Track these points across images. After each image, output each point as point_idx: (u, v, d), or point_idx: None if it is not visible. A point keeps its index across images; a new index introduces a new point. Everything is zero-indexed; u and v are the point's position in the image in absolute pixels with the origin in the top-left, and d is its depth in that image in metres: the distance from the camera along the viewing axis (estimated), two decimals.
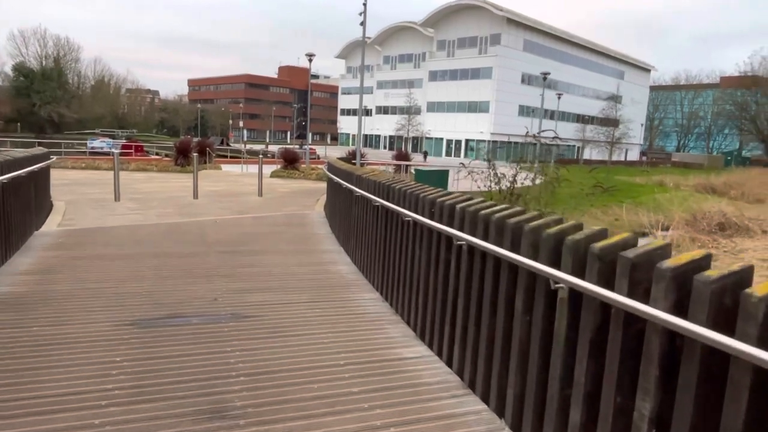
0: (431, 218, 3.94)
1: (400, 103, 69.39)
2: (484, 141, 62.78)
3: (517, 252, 2.83)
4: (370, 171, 6.65)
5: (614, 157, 62.74)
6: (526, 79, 63.98)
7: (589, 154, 65.24)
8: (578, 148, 68.50)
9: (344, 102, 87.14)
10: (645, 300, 2.02)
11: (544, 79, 33.93)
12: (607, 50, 76.35)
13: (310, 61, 30.73)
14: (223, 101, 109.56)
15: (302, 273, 6.04)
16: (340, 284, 5.69)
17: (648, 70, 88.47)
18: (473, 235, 3.31)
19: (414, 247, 4.32)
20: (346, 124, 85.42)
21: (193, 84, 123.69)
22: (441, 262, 3.80)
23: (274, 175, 22.77)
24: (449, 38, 67.36)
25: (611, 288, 2.16)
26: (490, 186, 8.83)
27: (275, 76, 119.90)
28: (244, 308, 4.66)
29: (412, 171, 20.70)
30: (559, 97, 50.21)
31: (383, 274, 5.22)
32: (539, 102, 59.13)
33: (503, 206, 3.24)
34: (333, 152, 52.00)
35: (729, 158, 75.52)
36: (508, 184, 8.91)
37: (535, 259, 2.66)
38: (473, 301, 3.34)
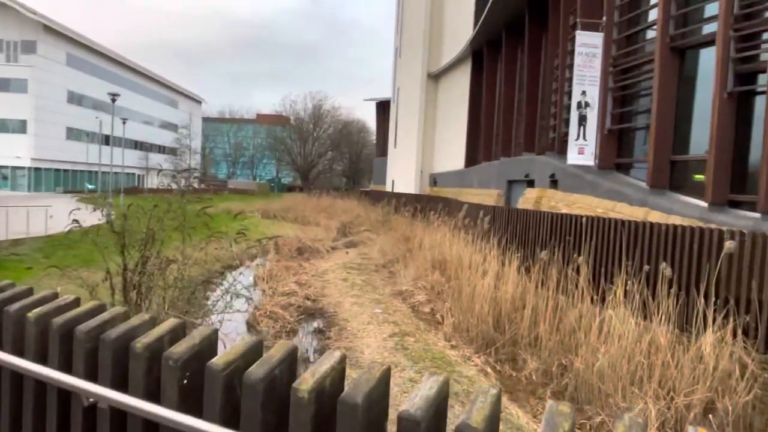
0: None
1: None
2: (23, 168, 51.67)
3: None
4: None
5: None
6: (76, 99, 56.40)
7: (149, 181, 63.16)
8: (139, 176, 65.55)
9: None
10: None
11: (113, 101, 30.17)
12: (162, 79, 75.91)
13: None
14: None
15: None
16: None
17: (200, 102, 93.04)
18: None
19: None
20: None
21: None
22: None
23: None
24: None
25: None
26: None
27: None
28: None
29: None
30: (124, 123, 46.03)
31: None
32: (94, 125, 53.19)
33: None
34: None
35: (273, 185, 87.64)
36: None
37: None
38: None
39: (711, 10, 10.71)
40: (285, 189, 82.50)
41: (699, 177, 11.61)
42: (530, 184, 19.04)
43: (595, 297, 7.74)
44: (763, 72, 9.43)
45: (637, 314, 6.68)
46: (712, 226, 7.05)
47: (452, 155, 31.47)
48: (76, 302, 1.79)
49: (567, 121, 15.92)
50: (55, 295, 1.84)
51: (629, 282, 7.01)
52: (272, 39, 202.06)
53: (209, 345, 1.44)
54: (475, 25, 27.55)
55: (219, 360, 1.30)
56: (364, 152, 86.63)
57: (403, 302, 12.23)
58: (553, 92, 17.94)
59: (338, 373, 1.30)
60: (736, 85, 9.73)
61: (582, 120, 12.96)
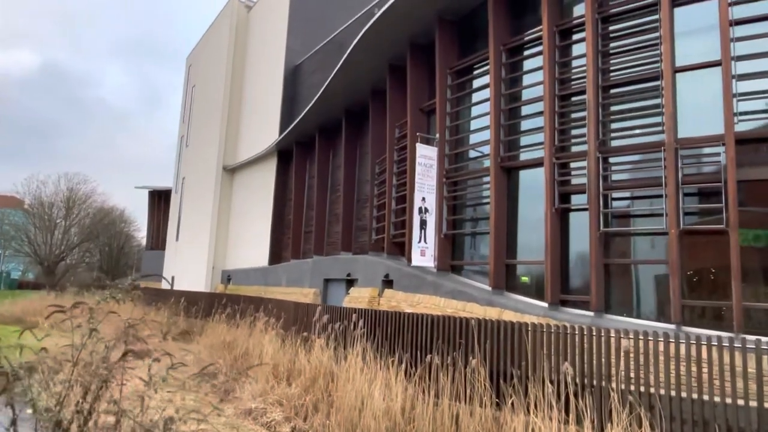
0: None
1: None
2: None
3: None
4: None
5: None
6: None
7: None
8: None
9: None
10: None
11: None
12: None
13: None
14: None
15: None
16: None
17: None
18: None
19: None
20: None
21: None
22: None
23: None
24: None
25: None
26: None
27: None
28: None
29: None
30: None
31: None
32: None
33: None
34: None
35: None
36: None
37: None
38: None
39: (528, 139, 12.91)
40: (16, 285, 68.34)
41: (524, 279, 13.21)
42: (351, 283, 19.14)
43: (497, 401, 7.76)
44: (580, 193, 11.50)
45: (547, 415, 6.86)
46: (560, 323, 7.85)
47: (252, 251, 30.12)
48: None
49: (397, 224, 16.81)
50: None
51: (536, 383, 7.23)
52: None
53: None
54: (282, 123, 28.04)
55: None
56: (126, 245, 77.33)
57: (255, 422, 10.58)
58: (375, 196, 18.91)
59: None
60: (560, 203, 11.61)
61: (423, 224, 13.79)
